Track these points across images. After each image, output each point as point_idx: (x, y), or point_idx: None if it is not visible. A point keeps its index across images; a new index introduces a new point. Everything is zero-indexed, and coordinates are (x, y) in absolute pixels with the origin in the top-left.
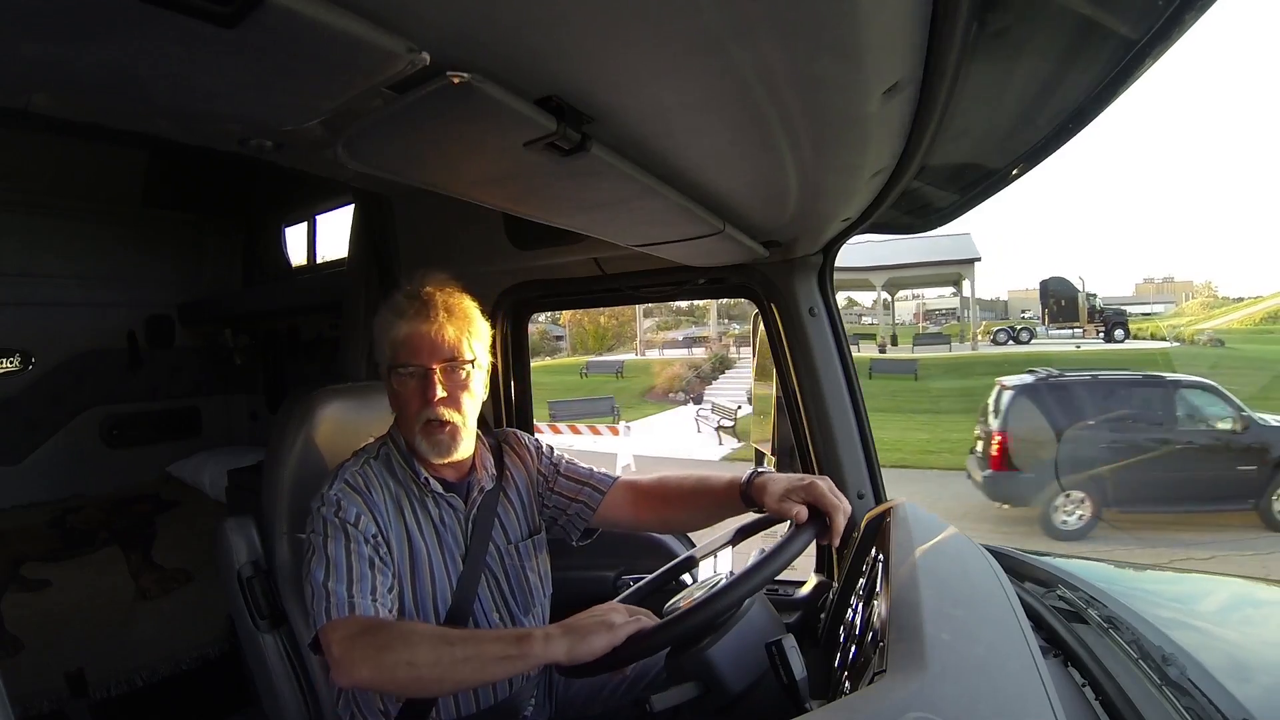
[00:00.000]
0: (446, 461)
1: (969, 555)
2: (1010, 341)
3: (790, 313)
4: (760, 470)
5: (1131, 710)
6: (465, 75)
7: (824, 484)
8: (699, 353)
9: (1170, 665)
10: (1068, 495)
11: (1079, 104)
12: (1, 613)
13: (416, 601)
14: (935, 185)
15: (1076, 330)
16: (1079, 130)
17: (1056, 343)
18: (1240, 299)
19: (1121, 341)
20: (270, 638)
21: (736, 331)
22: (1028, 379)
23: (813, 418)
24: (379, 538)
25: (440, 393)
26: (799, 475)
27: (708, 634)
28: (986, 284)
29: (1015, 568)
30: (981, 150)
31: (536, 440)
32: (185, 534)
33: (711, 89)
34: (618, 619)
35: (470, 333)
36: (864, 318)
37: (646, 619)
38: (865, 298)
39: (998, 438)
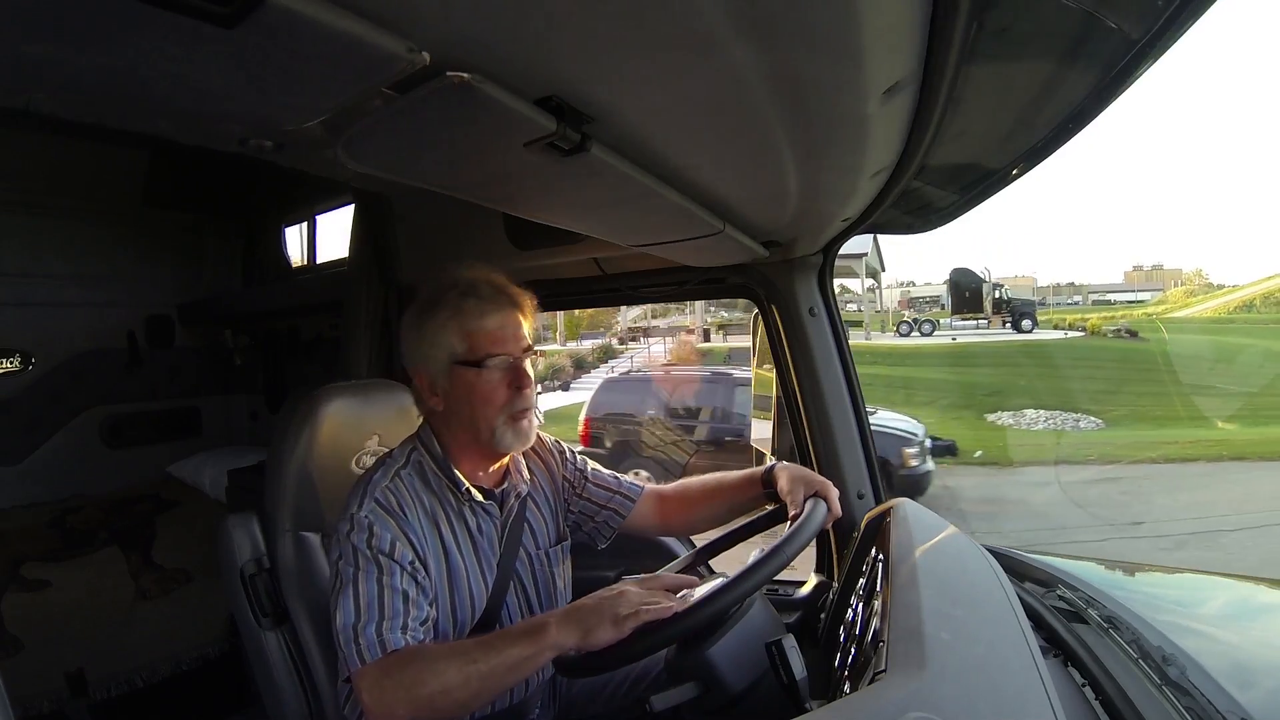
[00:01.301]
0: (521, 450)
1: (969, 555)
2: (914, 333)
3: (790, 313)
4: (781, 462)
5: (1131, 710)
6: (465, 75)
7: (835, 491)
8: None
9: (1170, 665)
10: (636, 474)
11: (1079, 104)
12: (1, 613)
13: (454, 615)
14: (935, 185)
15: (981, 321)
16: (1079, 130)
17: (960, 333)
18: (1233, 286)
19: (1029, 332)
20: (272, 636)
21: (638, 325)
22: (616, 374)
23: (813, 418)
24: (415, 563)
25: (531, 380)
26: (816, 475)
27: (719, 627)
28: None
29: (1015, 568)
30: (981, 150)
31: (559, 443)
32: (185, 534)
33: (711, 89)
34: (624, 610)
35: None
36: (850, 304)
37: (661, 600)
38: (855, 285)
39: (583, 421)
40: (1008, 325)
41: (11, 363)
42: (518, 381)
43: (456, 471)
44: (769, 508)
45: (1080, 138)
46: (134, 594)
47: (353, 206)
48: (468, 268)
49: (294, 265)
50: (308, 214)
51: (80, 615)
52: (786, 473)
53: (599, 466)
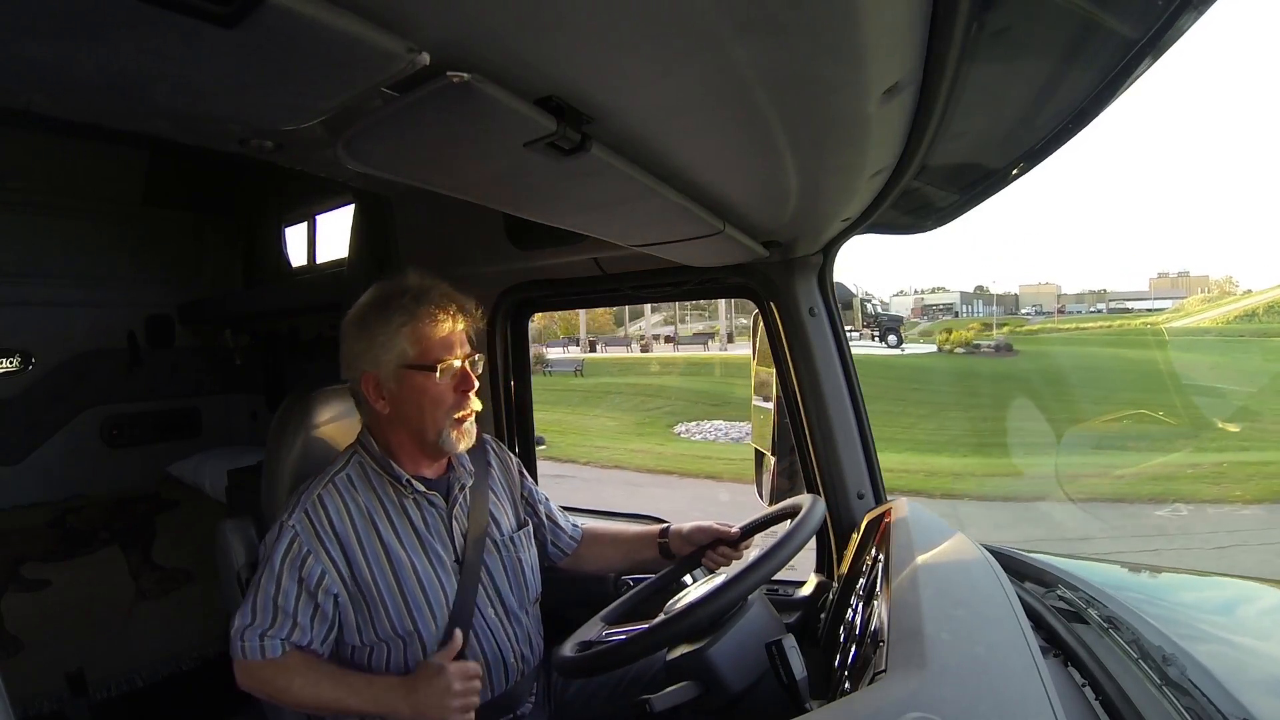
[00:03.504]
0: (465, 449)
1: (969, 555)
2: None
3: (790, 313)
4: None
5: (1131, 710)
6: (465, 75)
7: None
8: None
9: (1170, 665)
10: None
11: (1079, 104)
12: (1, 613)
13: (411, 611)
14: (935, 185)
15: (853, 335)
16: (1079, 130)
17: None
18: (1240, 294)
19: (895, 347)
20: None
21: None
22: None
23: (813, 418)
24: (325, 580)
25: (475, 384)
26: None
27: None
28: (999, 278)
29: (1015, 568)
30: (981, 150)
31: (519, 461)
32: (185, 534)
33: (711, 89)
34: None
35: (471, 327)
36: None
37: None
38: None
39: None
40: (876, 339)
41: (11, 363)
42: (465, 385)
43: (397, 466)
44: (660, 571)
45: (1094, 138)
46: (134, 594)
47: (353, 206)
48: (414, 275)
49: (294, 265)
50: (307, 214)
51: (80, 615)
52: (687, 527)
53: (549, 500)
